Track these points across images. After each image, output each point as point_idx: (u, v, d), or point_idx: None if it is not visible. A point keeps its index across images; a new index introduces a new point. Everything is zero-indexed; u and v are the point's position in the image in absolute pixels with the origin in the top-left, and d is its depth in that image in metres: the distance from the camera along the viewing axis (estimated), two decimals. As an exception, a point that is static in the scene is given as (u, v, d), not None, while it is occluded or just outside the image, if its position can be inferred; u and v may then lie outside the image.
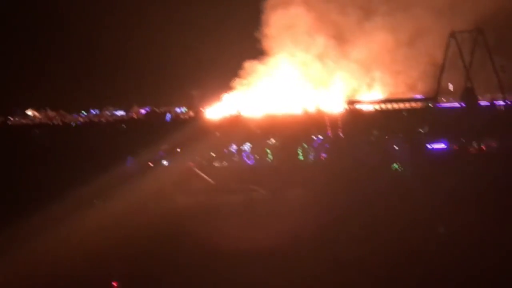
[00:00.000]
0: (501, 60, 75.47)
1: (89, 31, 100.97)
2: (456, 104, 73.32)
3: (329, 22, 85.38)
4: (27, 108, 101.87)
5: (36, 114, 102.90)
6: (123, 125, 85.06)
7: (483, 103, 72.03)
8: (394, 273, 28.08)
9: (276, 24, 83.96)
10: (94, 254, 29.14)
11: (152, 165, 63.91)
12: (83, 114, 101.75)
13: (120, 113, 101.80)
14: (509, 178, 46.12)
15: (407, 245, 31.55)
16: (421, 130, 68.25)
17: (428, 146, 64.75)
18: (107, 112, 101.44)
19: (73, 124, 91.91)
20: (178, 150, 66.85)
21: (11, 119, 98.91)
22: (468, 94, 71.69)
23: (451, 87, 79.43)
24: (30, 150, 69.15)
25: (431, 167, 56.95)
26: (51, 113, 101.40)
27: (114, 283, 25.06)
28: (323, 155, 67.09)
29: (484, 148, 62.81)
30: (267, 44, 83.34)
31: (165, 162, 63.43)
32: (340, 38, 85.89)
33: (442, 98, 76.18)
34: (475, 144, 63.13)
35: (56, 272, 27.09)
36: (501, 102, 70.69)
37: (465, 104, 70.90)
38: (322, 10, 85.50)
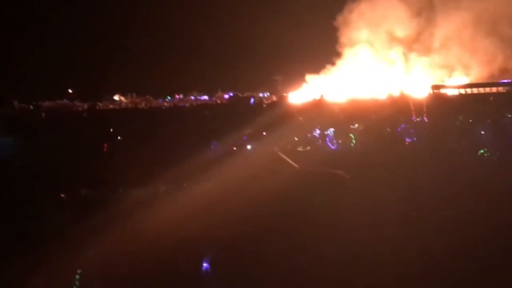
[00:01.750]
0: None
1: (176, 17, 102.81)
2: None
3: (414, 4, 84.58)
4: (115, 94, 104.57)
5: (123, 99, 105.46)
6: (206, 112, 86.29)
7: None
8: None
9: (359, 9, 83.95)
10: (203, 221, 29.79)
11: (236, 149, 64.73)
12: (168, 99, 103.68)
13: (204, 98, 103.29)
14: None
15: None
16: (509, 115, 66.77)
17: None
18: (192, 97, 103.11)
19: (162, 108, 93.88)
20: (263, 133, 67.39)
21: (100, 104, 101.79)
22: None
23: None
24: (118, 134, 70.80)
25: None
26: (137, 98, 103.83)
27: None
28: (408, 140, 66.39)
29: None
30: (349, 30, 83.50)
31: (249, 147, 64.08)
32: (426, 20, 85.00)
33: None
34: None
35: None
36: None
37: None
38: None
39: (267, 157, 43.81)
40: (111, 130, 72.55)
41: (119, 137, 68.04)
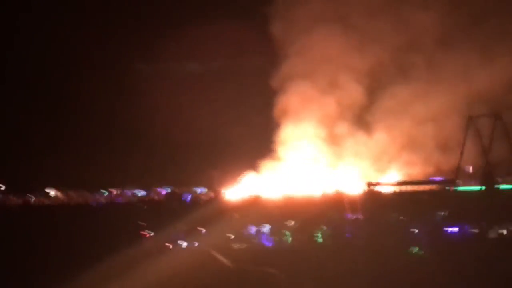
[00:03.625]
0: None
1: (112, 111, 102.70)
2: (476, 187, 73.34)
3: (348, 104, 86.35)
4: (47, 186, 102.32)
5: (58, 193, 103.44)
6: (144, 206, 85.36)
7: (503, 186, 72.05)
8: None
9: (293, 105, 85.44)
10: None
11: (170, 246, 64.04)
12: (104, 193, 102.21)
13: (141, 193, 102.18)
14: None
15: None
16: (440, 213, 67.94)
17: (447, 229, 64.43)
18: (128, 193, 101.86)
19: (94, 204, 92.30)
20: (199, 230, 66.95)
21: (33, 198, 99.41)
22: (487, 178, 71.98)
23: (470, 169, 79.54)
24: (50, 230, 69.39)
25: (450, 251, 56.44)
26: (72, 193, 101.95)
27: None
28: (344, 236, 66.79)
29: (504, 233, 62.34)
30: (285, 128, 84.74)
31: (183, 244, 63.51)
32: (359, 121, 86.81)
33: (459, 181, 76.29)
34: (495, 229, 62.65)
35: None
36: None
37: (485, 188, 70.98)
38: (339, 94, 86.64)
39: (200, 256, 43.48)
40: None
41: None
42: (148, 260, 42.76)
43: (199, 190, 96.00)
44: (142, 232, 65.39)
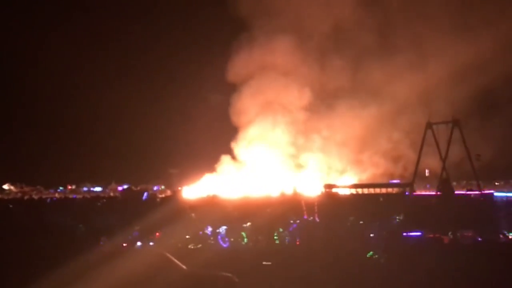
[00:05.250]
0: (477, 149, 76.81)
1: (68, 106, 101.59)
2: (432, 193, 74.10)
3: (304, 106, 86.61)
4: (3, 182, 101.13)
5: (13, 188, 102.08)
6: (98, 203, 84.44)
7: (458, 192, 72.93)
8: None
9: (252, 107, 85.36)
10: None
11: (125, 245, 63.27)
12: (60, 189, 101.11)
13: (97, 189, 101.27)
14: (484, 272, 45.89)
15: None
16: (397, 217, 68.31)
17: (404, 233, 64.73)
18: (84, 189, 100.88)
19: (49, 200, 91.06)
20: (155, 230, 66.30)
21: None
22: (444, 185, 72.81)
23: (427, 172, 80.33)
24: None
25: (407, 256, 56.62)
26: (27, 188, 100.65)
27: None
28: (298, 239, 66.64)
29: (459, 238, 62.85)
30: (244, 126, 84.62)
31: (139, 243, 62.75)
32: (318, 121, 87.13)
33: (416, 185, 77.03)
34: (450, 234, 63.18)
35: None
36: (476, 192, 71.62)
37: (441, 194, 71.74)
38: (298, 95, 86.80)
39: (155, 258, 42.68)
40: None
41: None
42: (102, 262, 41.79)
43: (156, 187, 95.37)
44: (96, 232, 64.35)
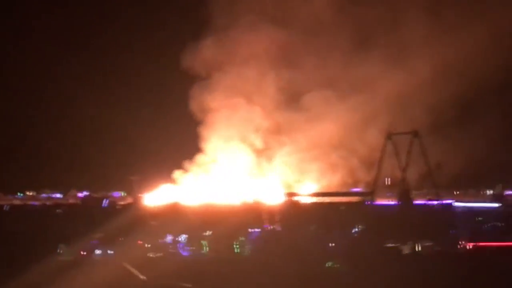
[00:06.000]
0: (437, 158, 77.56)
1: (30, 113, 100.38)
2: (392, 202, 74.52)
3: (268, 114, 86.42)
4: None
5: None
6: (58, 210, 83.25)
7: (418, 202, 73.50)
8: None
9: (216, 114, 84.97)
10: None
11: (84, 253, 62.77)
12: (19, 195, 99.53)
13: (56, 196, 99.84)
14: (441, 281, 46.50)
15: None
16: (358, 226, 68.56)
17: (365, 242, 65.05)
18: (44, 195, 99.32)
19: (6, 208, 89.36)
20: (114, 237, 65.78)
21: None
22: (404, 195, 73.42)
23: (387, 181, 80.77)
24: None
25: (367, 265, 56.99)
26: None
27: None
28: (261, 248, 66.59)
29: (418, 248, 63.43)
30: (206, 136, 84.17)
31: (98, 252, 62.18)
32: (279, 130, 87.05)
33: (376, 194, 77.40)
34: (410, 244, 63.68)
35: None
36: (434, 202, 72.30)
37: (401, 205, 72.30)
38: (263, 103, 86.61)
39: (113, 268, 42.45)
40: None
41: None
42: (61, 272, 41.41)
43: (116, 194, 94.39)
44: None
